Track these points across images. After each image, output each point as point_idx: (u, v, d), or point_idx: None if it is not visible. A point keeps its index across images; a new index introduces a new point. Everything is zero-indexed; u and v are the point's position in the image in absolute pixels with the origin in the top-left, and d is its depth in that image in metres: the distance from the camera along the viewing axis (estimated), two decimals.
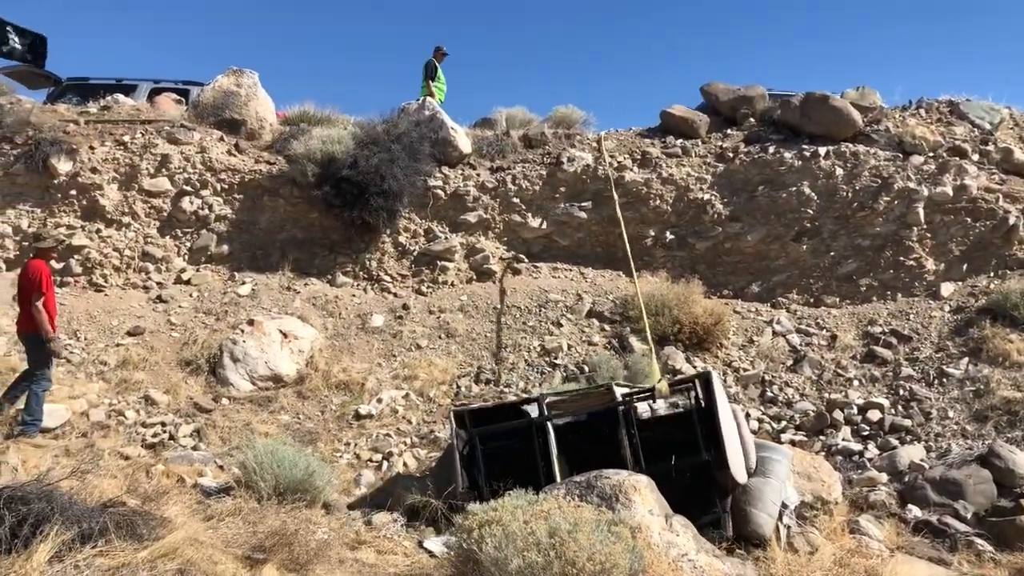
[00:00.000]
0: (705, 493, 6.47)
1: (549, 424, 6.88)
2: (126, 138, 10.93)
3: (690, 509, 6.08)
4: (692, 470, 6.57)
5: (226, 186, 11.18)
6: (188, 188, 10.99)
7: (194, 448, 8.03)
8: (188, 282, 10.74)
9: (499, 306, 10.96)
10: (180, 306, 10.32)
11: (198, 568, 4.87)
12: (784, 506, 6.71)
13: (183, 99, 12.81)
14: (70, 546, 4.59)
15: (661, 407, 7.72)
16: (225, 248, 11.10)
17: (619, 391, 6.99)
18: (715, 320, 10.29)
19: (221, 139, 11.49)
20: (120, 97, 12.17)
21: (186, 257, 10.96)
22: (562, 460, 6.76)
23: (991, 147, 11.93)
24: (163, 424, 8.28)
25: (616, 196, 11.55)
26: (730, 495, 6.47)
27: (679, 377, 8.29)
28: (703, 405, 6.86)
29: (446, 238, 11.62)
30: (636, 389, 7.35)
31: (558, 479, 6.40)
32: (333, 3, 76.64)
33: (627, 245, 10.98)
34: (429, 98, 12.62)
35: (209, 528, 5.72)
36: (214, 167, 11.13)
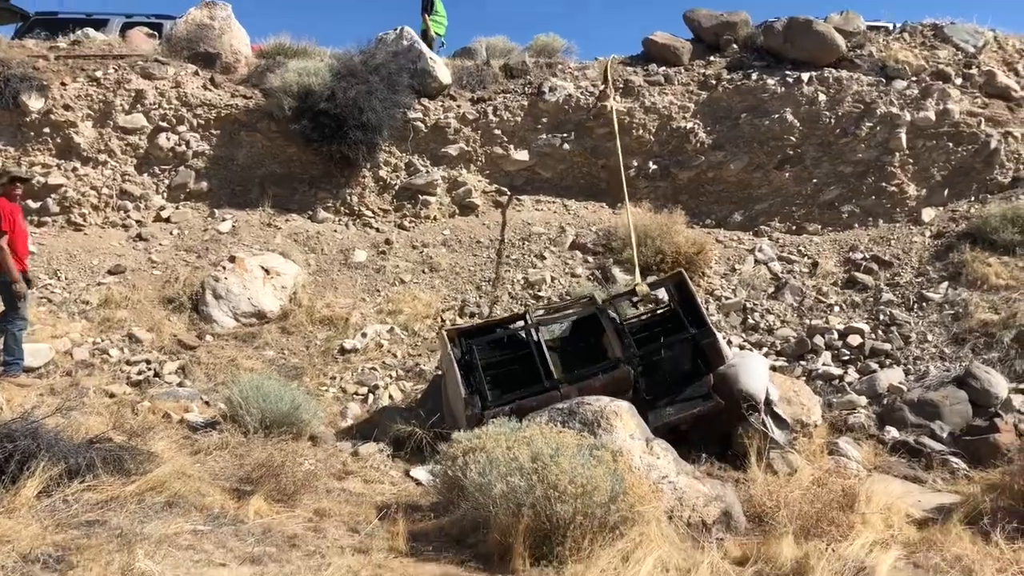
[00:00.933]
0: (695, 369, 7.01)
1: (540, 329, 7.18)
2: (99, 74, 10.69)
3: (682, 388, 6.84)
4: (680, 348, 7.07)
5: (202, 121, 11.00)
6: (164, 124, 10.81)
7: (179, 385, 8.07)
8: (168, 220, 10.64)
9: (500, 237, 10.94)
10: (160, 244, 10.24)
11: (186, 500, 4.95)
12: (768, 400, 6.82)
13: (156, 33, 12.52)
14: (58, 481, 4.65)
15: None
16: (204, 185, 10.98)
17: (600, 296, 7.47)
18: (697, 249, 10.32)
19: (196, 73, 11.26)
20: (91, 32, 11.89)
21: (165, 195, 10.84)
22: (556, 360, 7.03)
23: (974, 71, 11.85)
24: (147, 362, 8.30)
25: (616, 125, 11.38)
26: (716, 368, 6.98)
27: (654, 279, 8.51)
28: (681, 298, 7.44)
29: (427, 171, 11.52)
30: (617, 292, 7.94)
31: (555, 375, 6.75)
32: None
33: (622, 171, 10.92)
34: (407, 28, 12.33)
35: (196, 462, 5.80)
36: (190, 102, 10.94)
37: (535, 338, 7.07)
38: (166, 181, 10.84)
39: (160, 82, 10.89)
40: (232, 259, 9.72)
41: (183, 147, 10.86)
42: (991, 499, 5.60)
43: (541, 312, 7.77)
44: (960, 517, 5.40)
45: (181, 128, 10.88)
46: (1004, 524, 5.06)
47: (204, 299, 9.27)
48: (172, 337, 8.76)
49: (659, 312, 7.82)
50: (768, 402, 6.82)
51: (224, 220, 10.68)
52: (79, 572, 3.48)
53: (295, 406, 6.62)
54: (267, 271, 9.67)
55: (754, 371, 6.95)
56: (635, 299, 7.83)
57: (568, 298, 9.69)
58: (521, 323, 7.44)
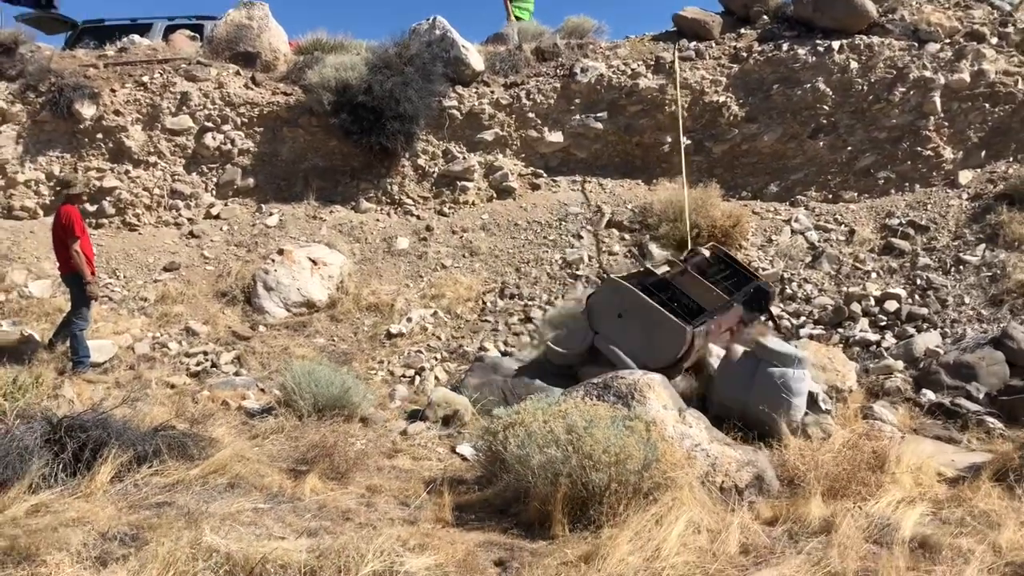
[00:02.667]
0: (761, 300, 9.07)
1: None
2: (145, 78, 11.13)
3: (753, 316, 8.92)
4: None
5: (246, 120, 11.38)
6: (210, 124, 11.22)
7: (236, 374, 8.47)
8: (218, 216, 11.07)
9: (536, 219, 11.20)
10: (212, 240, 10.67)
11: (246, 481, 5.29)
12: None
13: (197, 35, 12.91)
14: (128, 467, 5.03)
15: None
16: (251, 181, 11.38)
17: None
18: (733, 222, 10.44)
19: (237, 73, 11.64)
20: (136, 38, 12.31)
21: (214, 192, 11.26)
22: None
23: (1010, 28, 11.71)
24: (205, 353, 8.71)
25: (681, 108, 11.73)
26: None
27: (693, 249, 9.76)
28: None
29: (464, 158, 11.79)
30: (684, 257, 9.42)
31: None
32: None
33: (682, 148, 11.42)
34: (439, 17, 12.53)
35: (255, 446, 6.15)
36: (233, 102, 11.33)
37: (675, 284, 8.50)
38: (214, 179, 11.25)
39: (204, 83, 11.28)
40: (280, 251, 10.10)
41: (229, 145, 11.26)
42: (1021, 457, 5.71)
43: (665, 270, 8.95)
44: (989, 474, 5.53)
45: (226, 127, 11.28)
46: None
47: (256, 291, 9.66)
48: (227, 329, 9.17)
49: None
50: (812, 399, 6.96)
51: (271, 214, 11.08)
52: (152, 547, 3.78)
53: (345, 389, 6.95)
54: (314, 262, 10.03)
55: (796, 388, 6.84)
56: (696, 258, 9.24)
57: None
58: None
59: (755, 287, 9.02)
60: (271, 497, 5.03)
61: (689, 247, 9.76)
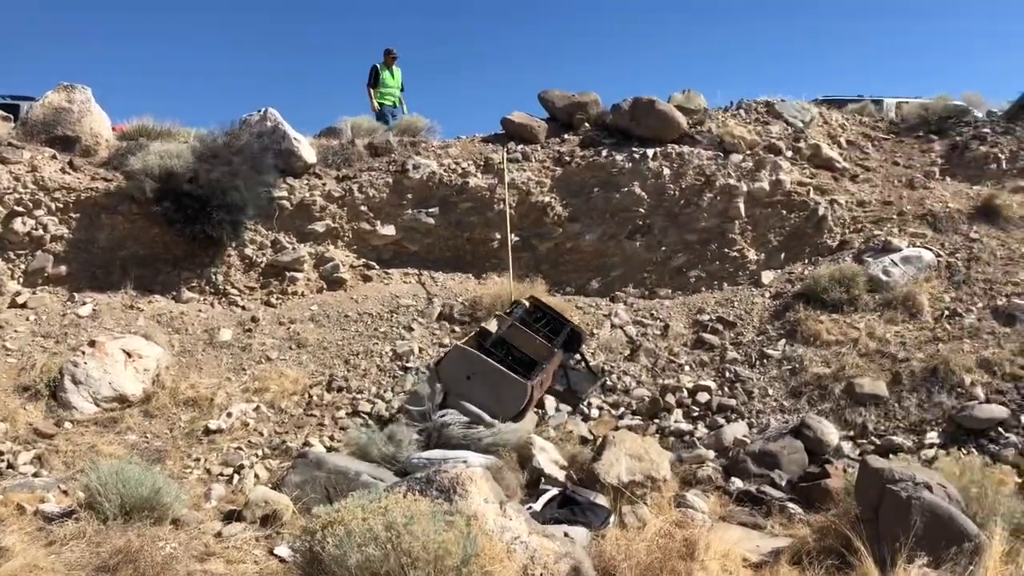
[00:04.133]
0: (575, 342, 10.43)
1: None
2: None
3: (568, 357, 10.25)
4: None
5: (61, 205, 10.88)
6: (20, 208, 10.64)
7: (35, 475, 7.86)
8: (24, 305, 10.40)
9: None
10: (16, 331, 9.99)
11: None
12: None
13: (11, 115, 12.34)
14: None
15: None
16: (63, 268, 10.81)
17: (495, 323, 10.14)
18: (559, 312, 10.82)
19: (54, 157, 11.17)
20: None
21: (20, 280, 10.62)
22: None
23: (802, 144, 12.98)
24: (0, 453, 8.06)
25: (509, 207, 12.27)
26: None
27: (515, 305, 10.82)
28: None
29: (294, 248, 11.70)
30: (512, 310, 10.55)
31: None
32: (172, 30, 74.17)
33: (509, 245, 11.97)
34: (271, 109, 12.57)
35: (51, 553, 5.70)
36: (47, 186, 10.82)
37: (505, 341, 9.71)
38: (22, 266, 10.63)
39: (15, 166, 10.75)
40: (92, 343, 9.57)
41: (40, 231, 10.70)
42: (815, 540, 6.12)
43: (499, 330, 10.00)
44: (787, 558, 5.89)
45: (38, 212, 10.73)
46: (824, 561, 5.58)
47: (62, 385, 9.08)
48: (27, 426, 8.53)
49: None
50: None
51: (84, 304, 10.53)
52: None
53: (156, 489, 6.58)
54: (128, 354, 9.56)
55: None
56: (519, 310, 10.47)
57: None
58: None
59: (569, 331, 10.39)
60: None
61: (512, 301, 10.95)
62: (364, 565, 4.72)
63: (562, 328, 10.41)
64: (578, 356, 10.42)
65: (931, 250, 11.05)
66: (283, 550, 6.35)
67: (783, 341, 10.27)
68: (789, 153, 12.81)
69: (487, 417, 8.56)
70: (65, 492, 7.47)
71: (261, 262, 11.54)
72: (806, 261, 11.78)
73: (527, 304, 10.59)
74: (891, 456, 8.03)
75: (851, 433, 8.85)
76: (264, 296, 11.34)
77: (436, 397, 8.88)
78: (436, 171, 12.43)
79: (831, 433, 8.61)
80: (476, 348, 9.26)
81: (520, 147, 12.94)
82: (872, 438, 8.72)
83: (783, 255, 11.94)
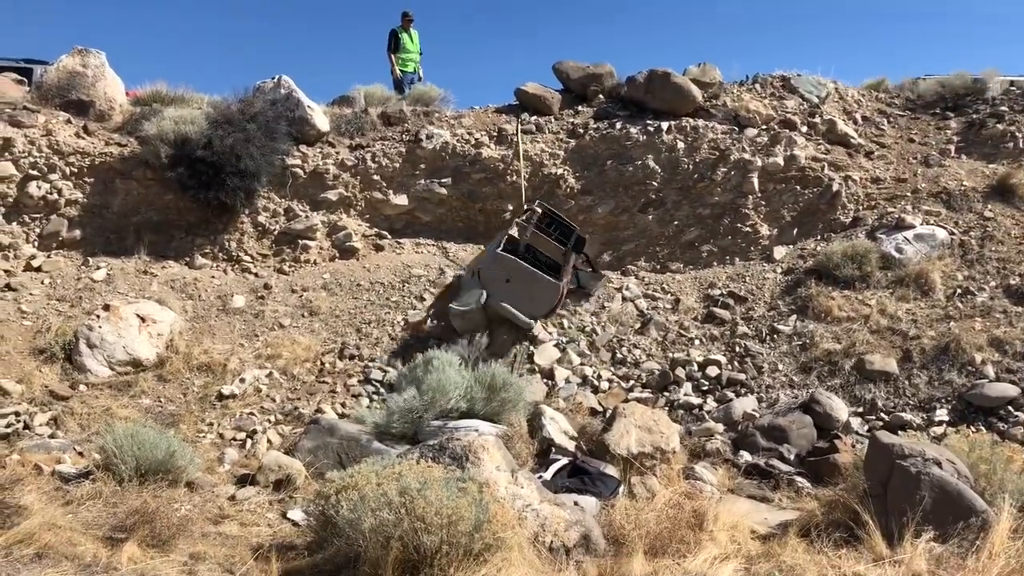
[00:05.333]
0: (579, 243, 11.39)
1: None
2: None
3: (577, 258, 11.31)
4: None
5: (76, 169, 10.90)
6: (35, 172, 10.67)
7: (51, 436, 7.96)
8: (39, 269, 10.46)
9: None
10: (31, 294, 10.06)
11: (56, 551, 4.98)
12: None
13: (25, 79, 12.33)
14: None
15: None
16: (77, 233, 10.86)
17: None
18: None
19: (68, 121, 11.16)
20: None
21: (36, 244, 10.67)
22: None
23: (818, 119, 12.90)
24: (16, 414, 8.13)
25: (523, 178, 12.32)
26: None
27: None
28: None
29: (307, 216, 11.72)
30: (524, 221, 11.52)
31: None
32: None
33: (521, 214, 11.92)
34: (285, 76, 12.53)
35: (68, 513, 5.80)
36: (62, 150, 10.83)
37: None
38: (37, 230, 10.68)
39: (30, 130, 10.75)
40: (106, 307, 9.64)
41: (55, 195, 10.73)
42: (823, 513, 6.17)
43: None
44: (796, 531, 5.94)
45: (53, 176, 10.76)
46: (832, 534, 5.63)
47: (77, 348, 9.16)
48: (43, 388, 8.63)
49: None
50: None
51: (98, 268, 10.59)
52: None
53: (170, 452, 6.66)
54: (143, 319, 9.63)
55: None
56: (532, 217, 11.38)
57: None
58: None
59: (575, 236, 11.38)
60: (83, 568, 4.77)
61: (524, 208, 11.87)
62: (378, 529, 4.79)
63: (570, 232, 11.32)
64: (583, 258, 11.45)
65: (945, 228, 11.01)
66: (296, 514, 6.44)
67: (794, 317, 10.28)
68: (804, 128, 12.74)
69: (523, 317, 10.01)
70: (80, 454, 7.57)
71: (274, 229, 11.57)
72: (819, 237, 11.75)
73: (538, 211, 11.39)
74: (900, 433, 8.07)
75: (860, 409, 8.89)
76: (277, 264, 11.38)
77: (478, 300, 10.12)
78: (449, 141, 12.40)
79: (840, 409, 8.65)
80: (510, 253, 10.38)
81: (534, 118, 12.89)
82: (881, 414, 8.77)
83: (796, 231, 11.91)
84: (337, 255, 11.75)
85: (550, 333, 10.39)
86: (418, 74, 15.12)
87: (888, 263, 10.63)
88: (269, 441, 8.36)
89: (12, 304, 9.81)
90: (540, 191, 12.26)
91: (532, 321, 10.09)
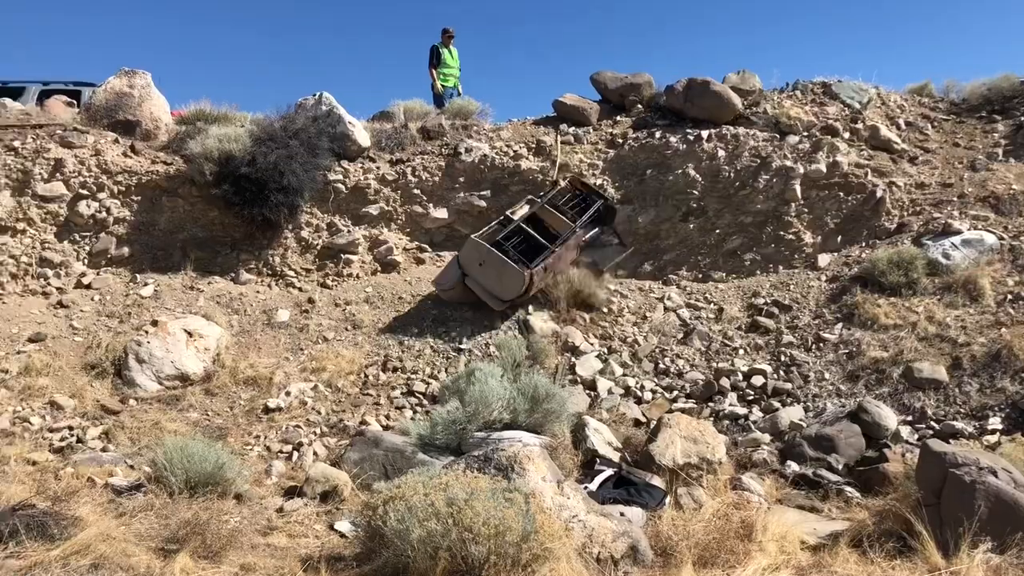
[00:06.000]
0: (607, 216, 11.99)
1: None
2: (16, 143, 10.77)
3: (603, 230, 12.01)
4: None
5: (123, 188, 11.14)
6: (84, 192, 10.91)
7: (103, 450, 8.10)
8: (89, 286, 10.69)
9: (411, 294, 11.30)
10: (82, 310, 10.28)
11: (112, 562, 5.06)
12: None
13: (74, 101, 12.65)
14: None
15: None
16: (125, 250, 11.08)
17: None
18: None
19: (116, 141, 11.42)
20: (8, 101, 11.94)
21: (86, 261, 10.90)
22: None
23: (860, 125, 12.75)
24: (70, 428, 8.31)
25: (559, 177, 12.44)
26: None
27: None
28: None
29: (349, 231, 11.84)
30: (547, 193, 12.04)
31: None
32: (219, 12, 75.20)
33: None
34: (326, 93, 12.70)
35: (121, 524, 5.89)
36: (110, 169, 11.08)
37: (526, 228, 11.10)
38: (87, 248, 10.91)
39: (80, 150, 11.01)
40: (154, 323, 9.82)
41: (104, 214, 10.96)
42: (874, 523, 6.07)
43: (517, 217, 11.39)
44: (847, 541, 5.85)
45: (101, 195, 10.99)
46: (884, 545, 5.54)
47: (127, 364, 9.34)
48: (95, 403, 8.80)
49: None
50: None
51: (146, 284, 10.79)
52: None
53: (219, 465, 6.76)
54: (190, 334, 9.79)
55: None
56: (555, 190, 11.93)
57: (491, 350, 10.06)
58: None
59: (601, 206, 11.68)
60: None
61: (552, 182, 12.31)
62: (426, 539, 4.81)
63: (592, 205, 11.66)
64: (609, 230, 11.83)
65: (993, 233, 10.81)
66: (343, 525, 6.49)
67: (840, 325, 10.15)
68: (846, 134, 12.60)
69: (492, 297, 10.61)
70: (132, 466, 7.70)
71: (317, 244, 11.71)
72: (863, 244, 11.60)
73: (564, 184, 11.86)
74: (951, 442, 7.90)
75: (909, 418, 8.74)
76: (320, 278, 11.52)
77: (455, 278, 10.83)
78: (488, 154, 12.47)
79: (889, 417, 8.51)
80: (498, 233, 10.97)
81: (572, 129, 12.92)
82: (931, 423, 8.61)
83: (840, 238, 11.77)
84: (379, 269, 11.86)
85: (591, 344, 10.37)
86: (457, 89, 15.25)
87: (935, 269, 10.46)
88: (315, 453, 8.43)
89: (64, 321, 10.03)
90: None
91: (502, 302, 10.62)
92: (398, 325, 10.75)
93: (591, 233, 11.66)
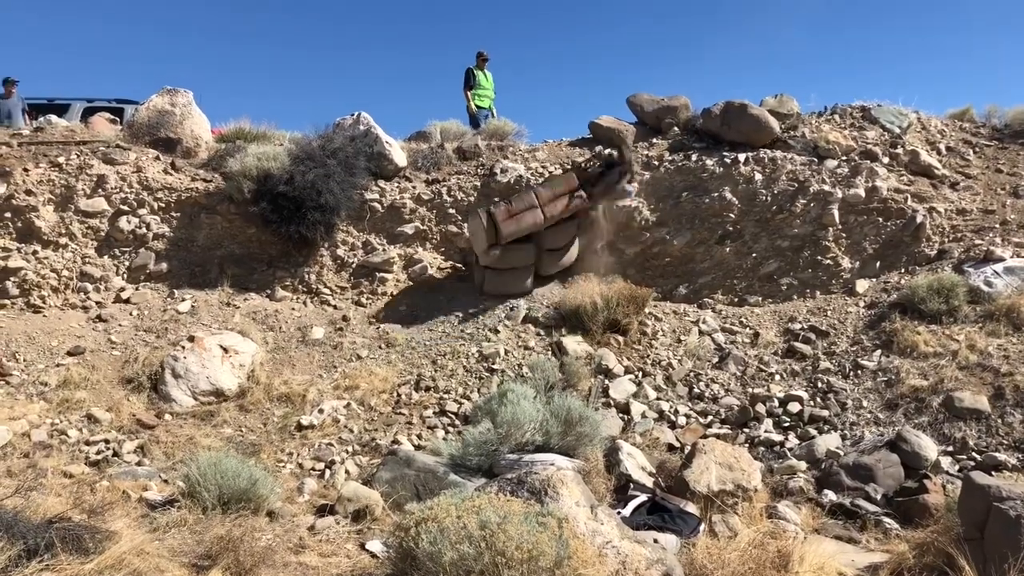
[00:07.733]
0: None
1: None
2: (61, 159, 10.99)
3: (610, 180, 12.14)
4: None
5: (163, 204, 11.30)
6: (125, 208, 11.09)
7: (138, 464, 8.17)
8: (127, 301, 10.84)
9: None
10: (120, 325, 10.41)
11: None
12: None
13: (117, 118, 12.88)
14: (16, 561, 4.77)
15: None
16: (164, 266, 11.22)
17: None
18: (633, 298, 10.90)
19: (157, 158, 11.60)
20: (53, 118, 12.20)
21: (125, 276, 11.05)
22: None
23: (900, 150, 12.61)
24: (106, 441, 8.40)
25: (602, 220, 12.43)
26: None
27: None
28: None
29: (384, 250, 11.90)
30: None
31: None
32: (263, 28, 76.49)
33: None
34: (364, 113, 12.80)
35: (155, 539, 5.92)
36: (151, 186, 11.25)
37: None
38: (126, 263, 11.07)
39: (122, 167, 11.20)
40: (191, 338, 9.92)
41: (144, 229, 11.12)
42: (915, 556, 5.93)
43: None
44: (887, 574, 5.72)
45: (142, 211, 11.16)
46: None
47: (163, 378, 9.43)
48: (131, 416, 8.88)
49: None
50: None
51: (183, 300, 10.91)
52: None
53: (252, 482, 6.78)
54: (225, 350, 9.87)
55: None
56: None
57: (524, 371, 10.03)
58: None
59: (606, 162, 12.33)
60: None
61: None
62: (458, 563, 4.77)
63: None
64: (616, 178, 12.10)
65: None
66: (375, 545, 6.46)
67: (878, 352, 10.00)
68: (886, 159, 12.47)
69: (476, 251, 11.44)
70: (166, 481, 7.75)
71: (352, 262, 11.78)
72: (902, 270, 11.43)
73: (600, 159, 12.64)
74: (994, 473, 7.74)
75: (950, 448, 8.56)
76: (355, 296, 11.58)
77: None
78: (523, 175, 12.49)
79: (929, 447, 8.33)
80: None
81: (608, 151, 12.89)
82: (973, 454, 8.42)
83: (878, 263, 11.61)
84: (413, 287, 11.88)
85: (625, 367, 10.30)
86: (492, 110, 15.33)
87: (976, 297, 10.28)
88: (347, 472, 8.43)
89: (103, 335, 10.16)
90: (614, 223, 12.22)
91: (484, 256, 11.40)
92: (431, 343, 10.76)
93: (603, 183, 11.98)
